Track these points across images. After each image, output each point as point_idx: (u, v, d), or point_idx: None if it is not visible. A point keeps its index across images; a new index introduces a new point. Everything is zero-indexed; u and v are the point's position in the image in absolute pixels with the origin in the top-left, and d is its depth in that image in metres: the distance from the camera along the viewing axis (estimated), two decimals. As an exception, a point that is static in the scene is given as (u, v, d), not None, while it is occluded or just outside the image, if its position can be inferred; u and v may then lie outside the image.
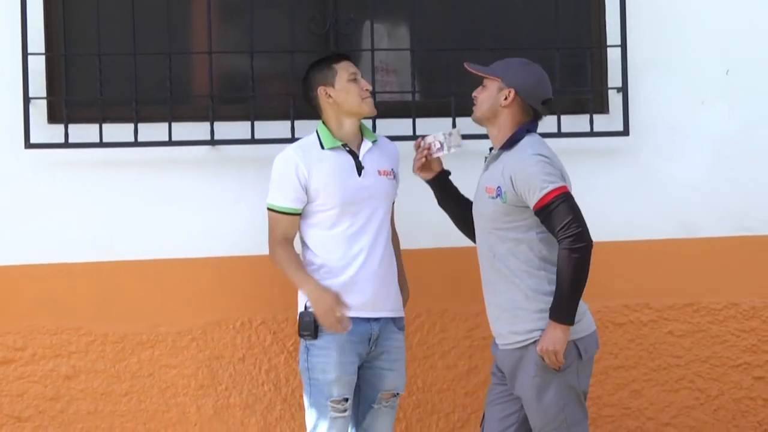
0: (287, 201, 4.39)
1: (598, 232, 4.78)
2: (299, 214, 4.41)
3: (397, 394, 4.52)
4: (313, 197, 4.39)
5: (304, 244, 4.44)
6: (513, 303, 4.15)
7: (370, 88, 4.46)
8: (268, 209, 4.42)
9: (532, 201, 4.05)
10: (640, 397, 5.17)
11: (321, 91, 4.45)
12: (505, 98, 4.20)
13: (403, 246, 4.64)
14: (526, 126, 4.21)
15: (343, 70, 4.44)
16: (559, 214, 4.02)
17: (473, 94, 4.30)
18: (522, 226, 4.12)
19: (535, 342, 4.09)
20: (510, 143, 4.18)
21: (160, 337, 4.90)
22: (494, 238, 4.17)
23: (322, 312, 4.31)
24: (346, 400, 4.35)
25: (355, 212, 4.39)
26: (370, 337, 4.40)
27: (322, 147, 4.42)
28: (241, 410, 4.95)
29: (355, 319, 4.35)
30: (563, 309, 4.05)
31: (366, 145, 4.47)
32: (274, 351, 4.93)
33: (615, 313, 5.14)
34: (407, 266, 4.63)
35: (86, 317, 4.86)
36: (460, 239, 4.58)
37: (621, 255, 5.12)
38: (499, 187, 4.13)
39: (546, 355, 4.06)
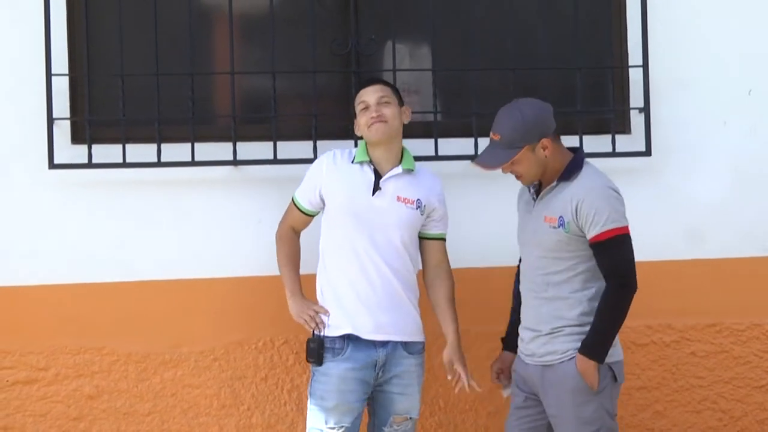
0: (302, 198, 4.55)
1: (620, 253, 4.79)
2: (310, 216, 4.56)
3: (411, 418, 4.52)
4: (327, 203, 4.48)
5: (320, 251, 4.50)
6: (555, 326, 4.17)
7: (374, 114, 4.43)
8: (292, 197, 4.58)
9: (594, 231, 4.07)
10: (662, 418, 5.15)
11: (355, 123, 4.56)
12: (544, 149, 4.15)
13: (423, 267, 4.64)
14: (580, 155, 4.22)
15: (357, 101, 4.52)
16: (620, 253, 4.10)
17: (507, 172, 4.21)
18: (583, 255, 4.14)
19: (572, 359, 4.12)
20: (568, 174, 4.16)
21: (182, 357, 4.90)
22: (553, 267, 4.18)
23: (294, 315, 4.48)
24: (342, 427, 4.38)
25: (364, 230, 4.41)
26: (376, 364, 4.41)
27: (353, 160, 4.49)
28: (264, 430, 4.94)
29: (358, 346, 4.39)
30: (599, 345, 4.11)
31: (396, 170, 4.49)
32: (297, 371, 4.93)
33: (637, 333, 5.12)
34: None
35: (109, 337, 4.87)
36: (482, 260, 4.60)
37: (643, 275, 5.03)
38: (561, 216, 4.12)
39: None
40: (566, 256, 4.14)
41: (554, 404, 4.17)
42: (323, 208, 4.52)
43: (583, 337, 4.12)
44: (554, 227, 4.13)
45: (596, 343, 4.10)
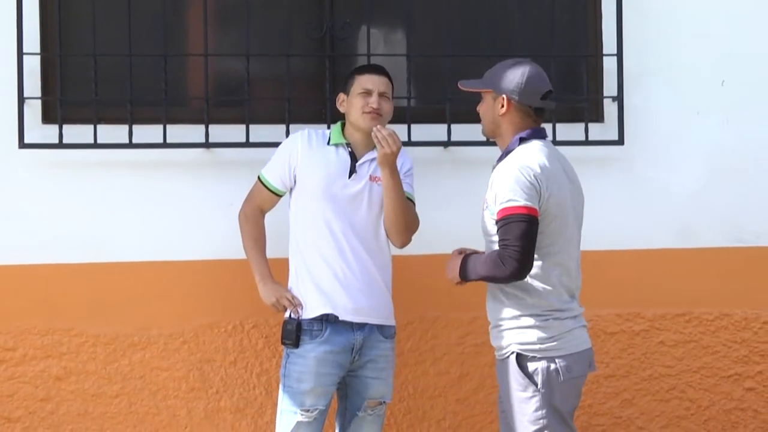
0: (272, 177, 4.54)
1: (591, 241, 4.81)
2: (279, 196, 4.56)
3: (384, 402, 4.52)
4: (300, 184, 4.47)
5: (292, 233, 4.50)
6: (499, 316, 4.11)
7: (375, 105, 4.43)
8: (258, 176, 4.57)
9: (496, 212, 4.00)
10: (631, 407, 5.17)
11: (341, 96, 4.55)
12: (501, 106, 4.10)
13: (396, 252, 4.61)
14: (521, 135, 4.09)
15: (359, 83, 4.48)
16: (506, 233, 3.94)
17: (477, 109, 4.23)
18: None
19: (513, 353, 4.03)
20: (504, 155, 4.11)
21: (151, 340, 4.89)
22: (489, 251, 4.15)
23: (269, 305, 4.48)
24: (317, 410, 4.38)
25: (341, 213, 4.42)
26: (353, 347, 4.41)
27: (329, 142, 4.49)
28: (232, 414, 4.94)
29: (336, 329, 4.39)
30: (464, 269, 4.09)
31: (372, 154, 4.49)
32: (266, 355, 4.92)
33: (607, 322, 5.14)
34: (400, 273, 4.64)
35: (78, 318, 4.85)
36: (453, 245, 4.57)
37: (614, 264, 5.12)
38: (486, 198, 4.11)
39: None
40: (495, 239, 4.03)
41: (503, 399, 4.13)
42: (293, 188, 4.51)
43: (522, 331, 4.01)
44: (485, 208, 4.10)
45: (466, 266, 4.09)
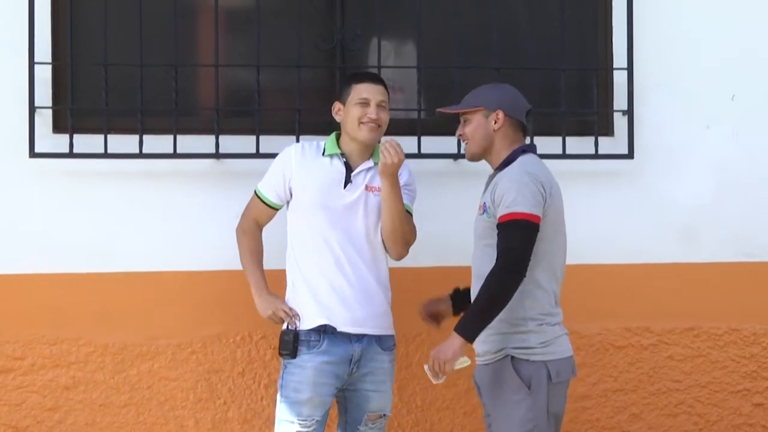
0: (268, 191, 4.52)
1: (600, 254, 4.82)
2: (275, 209, 4.53)
3: (384, 415, 4.51)
4: (296, 196, 4.45)
5: (289, 245, 4.48)
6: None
7: (373, 116, 4.38)
8: (254, 191, 4.55)
9: (499, 213, 4.05)
10: (639, 421, 5.16)
11: (336, 105, 4.50)
12: (495, 122, 4.20)
13: (406, 264, 4.60)
14: (522, 147, 4.21)
15: (357, 92, 4.42)
16: (510, 237, 4.01)
17: (458, 134, 4.30)
18: None
19: (506, 357, 4.08)
20: (505, 164, 4.18)
21: (159, 350, 4.88)
22: (483, 255, 4.17)
23: (266, 318, 4.46)
24: (314, 420, 4.36)
25: (337, 224, 4.38)
26: (351, 359, 4.38)
27: (324, 153, 4.46)
28: (240, 425, 4.93)
29: (334, 340, 4.36)
30: (470, 322, 4.02)
31: (368, 163, 4.45)
32: (274, 366, 4.92)
33: (615, 335, 5.13)
34: (410, 285, 4.64)
35: (86, 328, 4.84)
36: (462, 258, 4.57)
37: (623, 277, 5.12)
38: (485, 202, 4.16)
39: (434, 361, 4.01)
40: (491, 242, 4.09)
41: (489, 404, 4.17)
42: (288, 202, 4.50)
43: (518, 335, 4.07)
44: (480, 214, 4.17)
45: (468, 319, 4.02)
